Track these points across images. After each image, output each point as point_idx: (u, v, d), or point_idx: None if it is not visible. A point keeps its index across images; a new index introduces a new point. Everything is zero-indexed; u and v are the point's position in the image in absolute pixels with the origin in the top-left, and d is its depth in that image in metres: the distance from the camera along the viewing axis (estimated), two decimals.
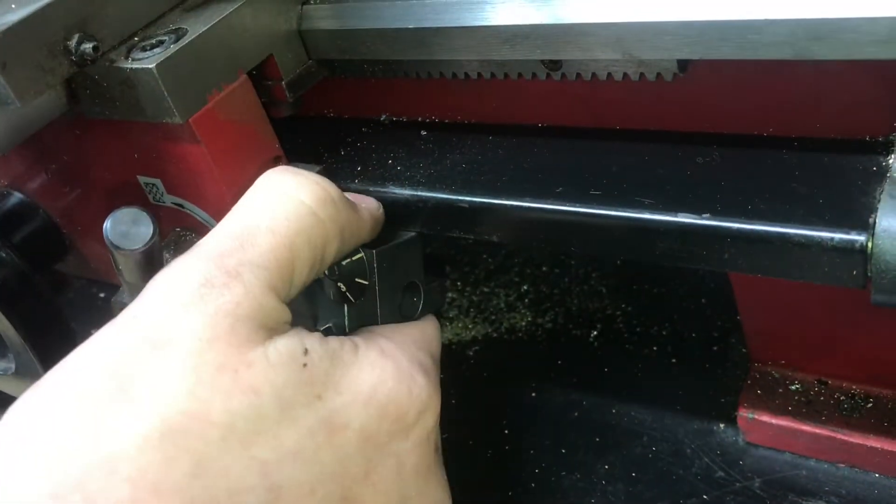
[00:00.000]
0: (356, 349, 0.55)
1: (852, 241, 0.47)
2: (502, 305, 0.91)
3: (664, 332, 0.82)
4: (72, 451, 0.44)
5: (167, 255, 0.65)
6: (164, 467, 0.44)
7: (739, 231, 0.51)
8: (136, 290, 0.57)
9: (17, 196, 0.78)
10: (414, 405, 0.55)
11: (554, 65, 0.59)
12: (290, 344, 0.50)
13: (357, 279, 0.62)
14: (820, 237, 0.48)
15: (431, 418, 0.57)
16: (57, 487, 0.43)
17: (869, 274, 0.47)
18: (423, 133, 0.69)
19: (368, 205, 0.63)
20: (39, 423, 0.45)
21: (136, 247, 0.49)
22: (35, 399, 0.47)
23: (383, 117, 0.72)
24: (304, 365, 0.51)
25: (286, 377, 0.49)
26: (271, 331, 0.50)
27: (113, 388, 0.46)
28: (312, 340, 0.52)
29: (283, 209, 0.54)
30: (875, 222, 0.47)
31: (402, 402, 0.55)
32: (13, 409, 0.47)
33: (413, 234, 0.64)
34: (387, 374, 0.55)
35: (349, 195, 0.60)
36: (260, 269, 0.51)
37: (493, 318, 0.91)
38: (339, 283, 0.63)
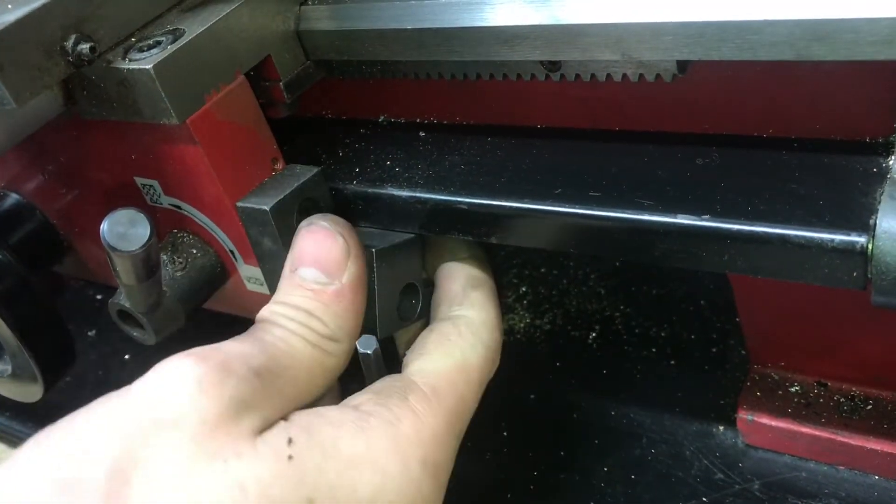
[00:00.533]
0: (358, 435, 0.52)
1: (852, 243, 0.47)
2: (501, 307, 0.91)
3: (663, 334, 0.82)
4: None
5: (164, 257, 0.65)
6: None
7: (739, 232, 0.50)
8: (133, 292, 0.57)
9: (13, 197, 0.77)
10: None
11: (553, 66, 0.58)
12: (275, 434, 0.49)
13: None
14: (820, 238, 0.48)
15: None
16: None
17: (869, 275, 0.47)
18: (422, 134, 0.69)
19: (333, 272, 0.59)
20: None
21: (134, 248, 0.49)
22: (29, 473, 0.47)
23: (382, 118, 0.72)
24: (290, 458, 0.49)
25: (273, 472, 0.48)
26: (266, 420, 0.50)
27: (110, 483, 0.46)
28: (297, 428, 0.50)
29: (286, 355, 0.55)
30: (875, 224, 0.47)
31: None
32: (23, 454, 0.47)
33: (412, 235, 0.64)
34: (391, 483, 0.51)
35: (308, 266, 0.59)
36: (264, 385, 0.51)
37: None
38: None
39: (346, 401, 0.56)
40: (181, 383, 0.49)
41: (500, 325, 0.65)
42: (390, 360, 0.64)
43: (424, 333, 0.63)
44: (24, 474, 0.47)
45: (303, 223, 0.60)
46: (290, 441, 0.49)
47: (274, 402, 0.51)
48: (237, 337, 0.55)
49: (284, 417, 0.52)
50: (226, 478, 0.46)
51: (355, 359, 0.62)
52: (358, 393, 0.57)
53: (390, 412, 0.54)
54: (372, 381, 0.59)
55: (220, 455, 0.47)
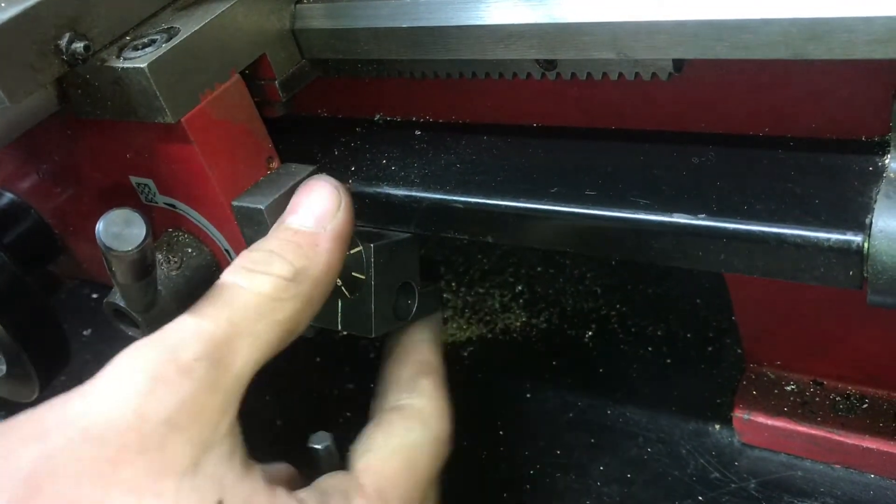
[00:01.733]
0: None
1: (848, 242, 0.47)
2: (497, 306, 0.91)
3: (659, 333, 0.82)
4: None
5: (159, 256, 0.65)
6: None
7: (735, 231, 0.50)
8: (128, 292, 0.56)
9: (8, 196, 0.77)
10: None
11: (549, 64, 0.58)
12: (206, 486, 0.48)
13: (353, 273, 0.62)
14: (816, 238, 0.48)
15: None
16: None
17: (865, 274, 0.47)
18: (418, 133, 0.69)
19: (322, 215, 0.59)
20: None
21: (129, 248, 0.49)
22: None
23: (377, 117, 0.72)
24: None
25: None
26: (204, 449, 0.48)
27: (27, 482, 0.45)
28: (237, 492, 0.49)
29: (241, 305, 0.53)
30: (871, 223, 0.47)
31: None
32: None
33: (409, 234, 0.64)
34: None
35: (297, 207, 0.59)
36: (216, 366, 0.50)
37: (488, 318, 0.90)
38: None
39: (292, 492, 0.54)
40: (125, 387, 0.48)
41: (449, 413, 0.65)
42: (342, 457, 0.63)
43: (372, 425, 0.62)
44: None
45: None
46: (219, 502, 0.48)
47: (207, 412, 0.50)
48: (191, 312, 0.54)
49: (230, 452, 0.50)
50: None
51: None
52: (304, 488, 0.56)
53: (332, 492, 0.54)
54: (319, 476, 0.58)
55: (136, 490, 0.46)
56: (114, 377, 0.49)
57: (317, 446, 0.60)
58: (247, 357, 0.52)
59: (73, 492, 0.45)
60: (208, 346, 0.51)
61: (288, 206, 0.60)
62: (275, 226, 0.59)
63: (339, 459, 0.60)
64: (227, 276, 0.55)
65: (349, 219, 0.60)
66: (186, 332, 0.51)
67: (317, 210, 0.59)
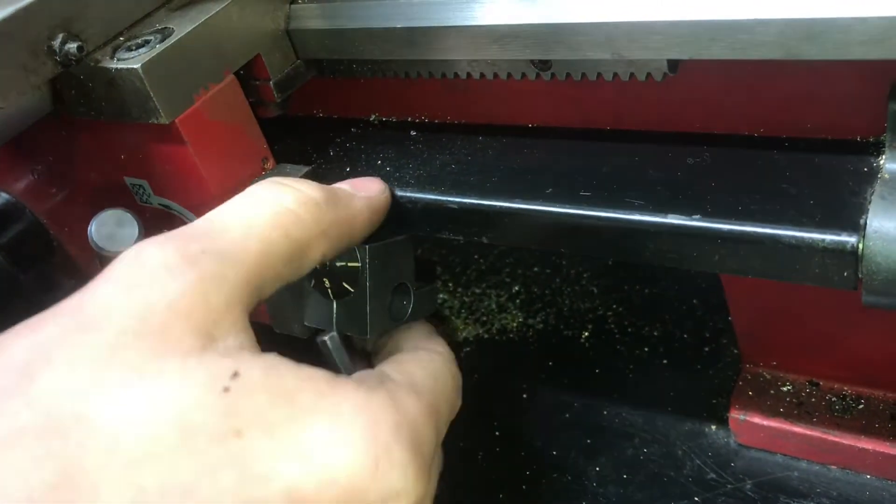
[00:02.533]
0: (321, 396, 0.46)
1: (843, 243, 0.47)
2: (493, 306, 0.91)
3: (656, 333, 0.82)
4: None
5: None
6: (22, 470, 0.39)
7: (730, 232, 0.50)
8: None
9: (3, 196, 0.77)
10: (378, 487, 0.45)
11: (544, 65, 0.58)
12: (217, 362, 0.44)
13: (349, 275, 0.62)
14: (811, 238, 0.48)
15: None
16: None
17: (860, 275, 0.47)
18: (413, 133, 0.69)
19: (369, 192, 0.59)
20: None
21: (122, 249, 0.49)
22: None
23: (373, 117, 0.72)
24: (226, 389, 0.43)
25: (197, 398, 0.43)
26: (209, 339, 0.45)
27: (21, 371, 0.42)
28: (257, 367, 0.45)
29: (260, 209, 0.50)
30: (866, 223, 0.47)
31: (360, 477, 0.44)
32: None
33: (404, 235, 0.64)
34: (350, 438, 0.45)
35: (347, 182, 0.58)
36: (223, 260, 0.46)
37: (485, 319, 0.90)
38: (326, 279, 0.62)
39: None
40: (125, 276, 0.45)
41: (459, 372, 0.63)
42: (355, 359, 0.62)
43: (398, 352, 0.61)
44: None
45: None
46: (235, 374, 0.44)
47: (225, 272, 0.47)
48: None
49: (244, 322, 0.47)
50: (133, 393, 0.42)
51: None
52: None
53: (364, 383, 0.49)
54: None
55: (135, 370, 0.43)
56: (114, 269, 0.46)
57: (324, 338, 0.58)
58: (256, 259, 0.49)
59: (68, 378, 0.42)
60: (217, 242, 0.48)
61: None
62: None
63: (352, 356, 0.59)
64: (253, 185, 0.54)
65: (387, 204, 0.60)
66: (196, 229, 0.49)
67: (361, 185, 0.59)
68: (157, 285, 0.44)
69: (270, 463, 0.43)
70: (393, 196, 0.61)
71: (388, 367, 0.56)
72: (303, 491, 0.43)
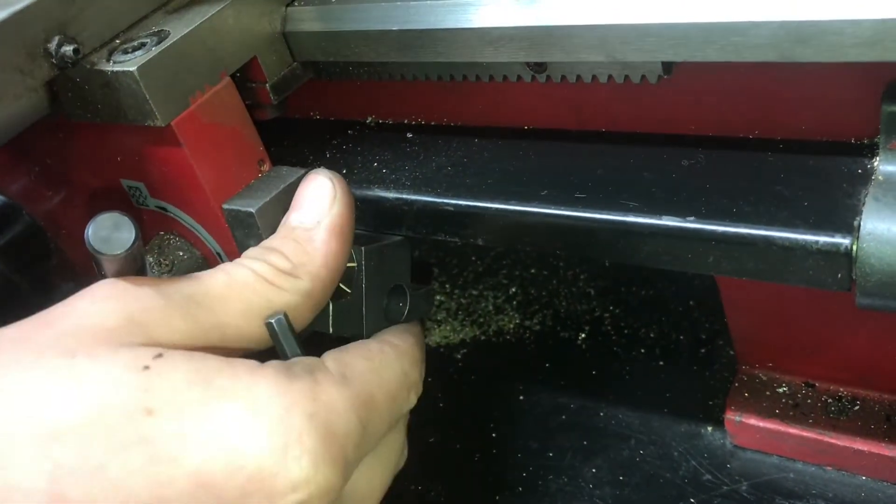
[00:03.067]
0: (237, 380, 0.46)
1: (837, 244, 0.47)
2: (490, 308, 0.91)
3: (652, 335, 0.82)
4: None
5: (150, 260, 0.65)
6: None
7: (724, 234, 0.50)
8: None
9: (0, 198, 0.77)
10: (286, 474, 0.44)
11: (539, 67, 0.58)
12: (147, 347, 0.46)
13: (344, 276, 0.62)
14: (804, 240, 0.48)
15: (311, 500, 0.45)
16: None
17: (854, 277, 0.47)
18: (410, 135, 0.69)
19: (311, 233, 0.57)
20: None
21: (118, 252, 0.49)
22: None
23: (369, 119, 0.72)
24: (146, 367, 0.44)
25: (117, 376, 0.43)
26: (147, 336, 0.47)
27: None
28: (181, 350, 0.46)
29: (240, 274, 0.53)
30: (860, 225, 0.47)
31: (268, 463, 0.44)
32: None
33: (401, 237, 0.64)
34: (261, 424, 0.45)
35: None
36: (199, 306, 0.50)
37: (482, 320, 0.90)
38: None
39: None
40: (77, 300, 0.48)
41: (422, 366, 0.62)
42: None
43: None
44: None
45: None
46: (157, 355, 0.45)
47: (175, 326, 0.48)
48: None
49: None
50: (63, 372, 0.43)
51: None
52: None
53: (288, 370, 0.49)
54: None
55: (70, 351, 0.44)
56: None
57: (271, 321, 0.58)
58: (237, 321, 0.50)
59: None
60: (200, 296, 0.50)
61: (291, 203, 0.59)
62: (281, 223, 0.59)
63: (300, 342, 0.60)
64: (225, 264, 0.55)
65: (345, 211, 0.58)
66: (183, 284, 0.51)
67: (313, 204, 0.58)
68: (119, 303, 0.48)
69: (179, 444, 0.43)
70: (389, 199, 0.62)
71: (328, 357, 0.55)
72: (211, 474, 0.43)
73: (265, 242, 0.57)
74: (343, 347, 0.58)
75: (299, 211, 0.58)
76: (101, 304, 0.47)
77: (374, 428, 0.53)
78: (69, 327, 0.46)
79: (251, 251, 0.56)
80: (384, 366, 0.57)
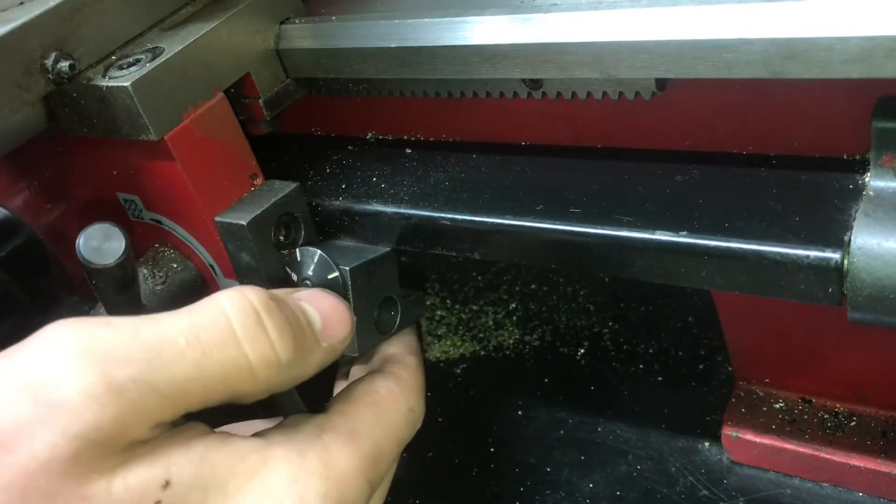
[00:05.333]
0: (252, 474, 0.47)
1: (828, 259, 0.47)
2: (490, 323, 0.91)
3: (651, 351, 0.82)
4: None
5: (144, 272, 0.65)
6: None
7: (716, 248, 0.51)
8: (111, 306, 0.57)
9: (0, 211, 0.78)
10: None
11: (534, 84, 0.59)
12: (146, 475, 0.44)
13: None
14: (795, 255, 0.48)
15: None
16: None
17: (845, 291, 0.47)
18: (408, 151, 0.69)
19: (334, 337, 0.55)
20: None
21: (109, 262, 0.49)
22: None
23: (369, 135, 0.73)
24: (158, 503, 0.44)
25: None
26: (131, 454, 0.44)
27: None
28: (187, 467, 0.45)
29: (212, 353, 0.47)
30: (850, 240, 0.47)
31: None
32: None
33: (387, 249, 0.64)
34: None
35: (316, 307, 0.55)
36: (152, 392, 0.44)
37: (482, 335, 0.90)
38: None
39: (256, 433, 0.52)
40: (48, 395, 0.43)
41: (424, 394, 0.64)
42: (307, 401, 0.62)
43: (354, 382, 0.61)
44: None
45: None
46: (166, 484, 0.44)
47: (153, 405, 0.45)
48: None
49: (174, 422, 0.47)
50: None
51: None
52: (271, 427, 0.54)
53: (298, 444, 0.50)
54: (285, 416, 0.56)
55: (56, 497, 0.42)
56: (33, 370, 0.44)
57: None
58: (189, 399, 0.47)
59: None
60: (149, 371, 0.45)
61: (322, 293, 0.57)
62: (312, 291, 0.57)
63: (303, 405, 0.60)
64: (218, 296, 0.50)
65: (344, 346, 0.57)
66: (131, 347, 0.46)
67: (329, 323, 0.55)
68: (75, 414, 0.43)
69: None
70: (387, 213, 0.63)
71: (334, 411, 0.56)
72: None
73: (293, 299, 0.54)
74: (349, 392, 0.58)
75: (322, 309, 0.56)
76: (60, 421, 0.43)
77: (380, 478, 0.55)
78: (33, 457, 0.42)
79: (275, 318, 0.51)
80: (391, 410, 0.58)
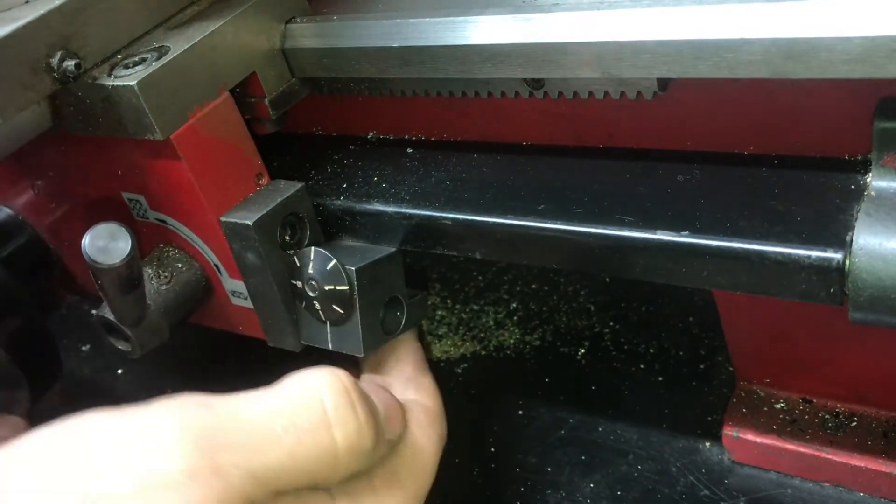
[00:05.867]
0: None
1: (829, 259, 0.47)
2: (491, 323, 0.91)
3: (651, 350, 0.82)
4: None
5: (149, 271, 0.65)
6: None
7: (717, 248, 0.51)
8: (116, 305, 0.57)
9: (3, 211, 0.78)
10: None
11: (536, 83, 0.59)
12: None
13: (339, 299, 0.62)
14: (797, 255, 0.48)
15: None
16: None
17: (846, 291, 0.47)
18: (410, 151, 0.69)
19: (394, 431, 0.58)
20: None
21: (115, 262, 0.50)
22: None
23: (371, 135, 0.73)
24: None
25: None
26: None
27: None
28: None
29: (308, 440, 0.50)
30: (852, 240, 0.47)
31: None
32: None
33: (393, 249, 0.65)
34: None
35: (381, 401, 0.57)
36: (249, 477, 0.47)
37: (482, 335, 0.90)
38: (316, 303, 0.63)
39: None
40: (149, 476, 0.46)
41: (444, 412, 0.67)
42: None
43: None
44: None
45: None
46: None
47: (251, 489, 0.48)
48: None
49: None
50: None
51: None
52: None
53: (356, 494, 0.54)
54: None
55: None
56: (133, 451, 0.47)
57: None
58: (281, 481, 0.50)
59: None
60: (252, 457, 0.48)
61: (378, 387, 0.61)
62: (368, 385, 0.58)
63: None
64: (317, 384, 0.52)
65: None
66: (232, 434, 0.49)
67: (391, 417, 0.58)
68: (180, 495, 0.45)
69: None
70: (388, 213, 0.63)
71: (377, 475, 0.57)
72: None
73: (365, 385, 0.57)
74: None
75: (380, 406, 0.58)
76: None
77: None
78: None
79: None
80: (422, 442, 0.62)
